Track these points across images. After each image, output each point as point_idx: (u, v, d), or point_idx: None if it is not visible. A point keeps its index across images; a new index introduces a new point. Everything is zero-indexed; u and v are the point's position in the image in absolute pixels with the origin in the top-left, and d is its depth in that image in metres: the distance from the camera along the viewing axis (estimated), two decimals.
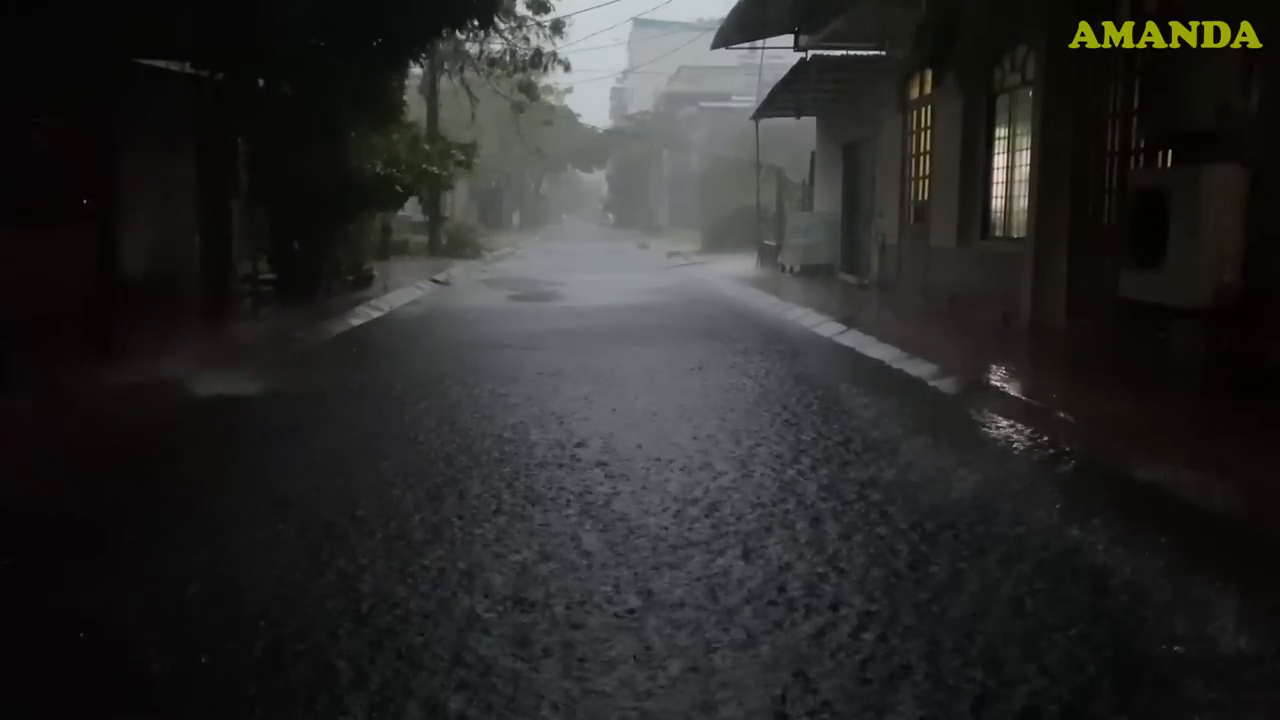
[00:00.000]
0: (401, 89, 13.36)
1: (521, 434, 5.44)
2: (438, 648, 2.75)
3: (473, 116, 20.99)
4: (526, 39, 19.42)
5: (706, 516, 3.98)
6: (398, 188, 13.51)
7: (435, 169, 14.27)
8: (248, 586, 3.21)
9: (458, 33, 13.71)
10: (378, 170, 12.99)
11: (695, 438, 5.37)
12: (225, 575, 3.33)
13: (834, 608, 3.06)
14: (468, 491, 4.33)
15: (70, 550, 3.60)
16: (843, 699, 2.50)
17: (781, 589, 3.21)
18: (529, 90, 20.52)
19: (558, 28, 19.31)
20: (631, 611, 3.01)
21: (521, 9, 18.76)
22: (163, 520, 3.97)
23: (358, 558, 3.47)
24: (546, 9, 18.48)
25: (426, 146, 14.37)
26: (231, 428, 5.83)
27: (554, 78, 22.78)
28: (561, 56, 20.00)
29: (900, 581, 3.31)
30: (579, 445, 5.17)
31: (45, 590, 3.24)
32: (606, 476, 4.57)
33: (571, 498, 4.23)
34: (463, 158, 14.83)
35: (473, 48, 18.89)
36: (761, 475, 4.63)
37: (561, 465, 4.78)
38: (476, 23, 12.65)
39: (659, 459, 4.89)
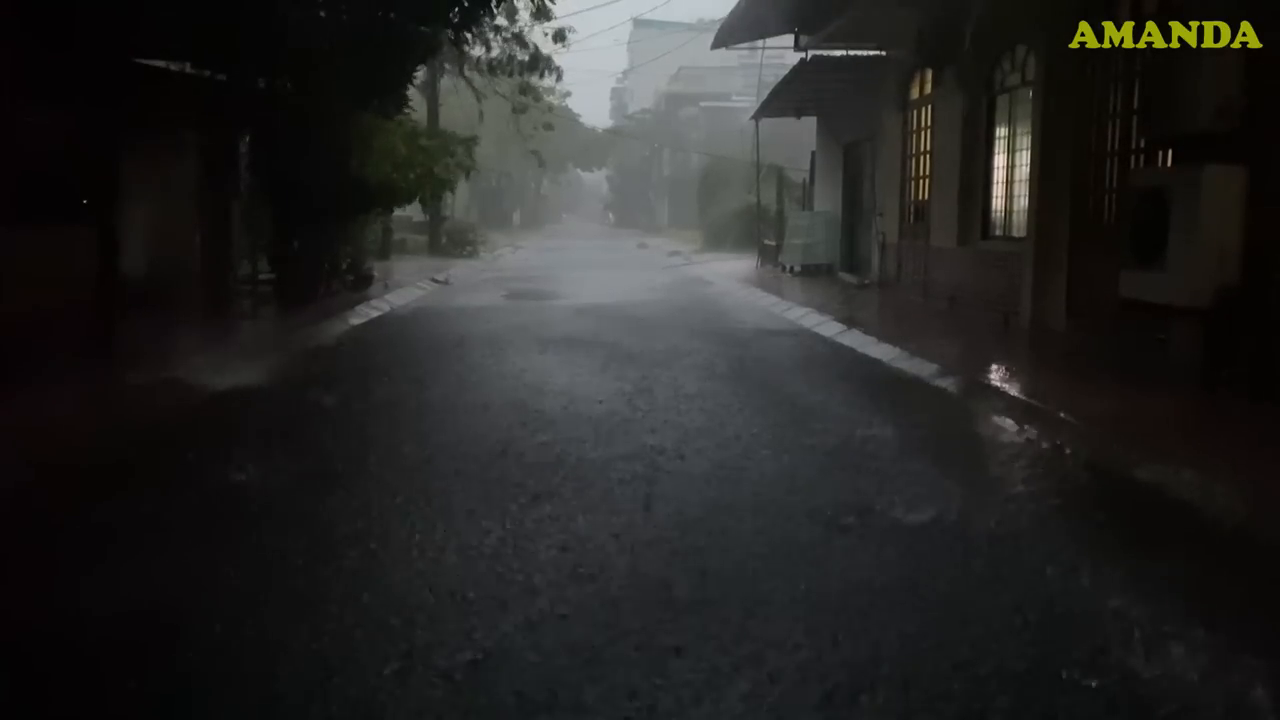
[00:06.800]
0: (410, 78, 13.29)
1: (514, 442, 5.45)
2: None
3: (480, 115, 20.93)
4: (525, 44, 19.41)
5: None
6: (401, 187, 13.47)
7: (439, 172, 14.25)
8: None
9: (465, 31, 13.64)
10: (383, 173, 12.97)
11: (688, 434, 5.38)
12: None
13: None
14: (454, 493, 4.35)
15: (74, 546, 3.61)
16: None
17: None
18: (530, 91, 20.51)
19: (560, 36, 19.34)
20: None
21: (523, 18, 18.76)
22: (141, 528, 3.98)
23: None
24: (549, 16, 18.48)
25: (424, 142, 14.32)
26: (231, 429, 5.83)
27: (552, 81, 22.72)
28: (557, 64, 20.07)
29: (896, 579, 3.31)
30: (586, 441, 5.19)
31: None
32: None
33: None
34: (463, 152, 14.78)
35: (475, 51, 18.88)
36: (755, 478, 4.63)
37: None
38: (488, 11, 12.58)
39: (654, 456, 4.90)
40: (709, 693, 2.51)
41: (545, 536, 3.71)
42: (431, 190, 14.57)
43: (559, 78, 20.85)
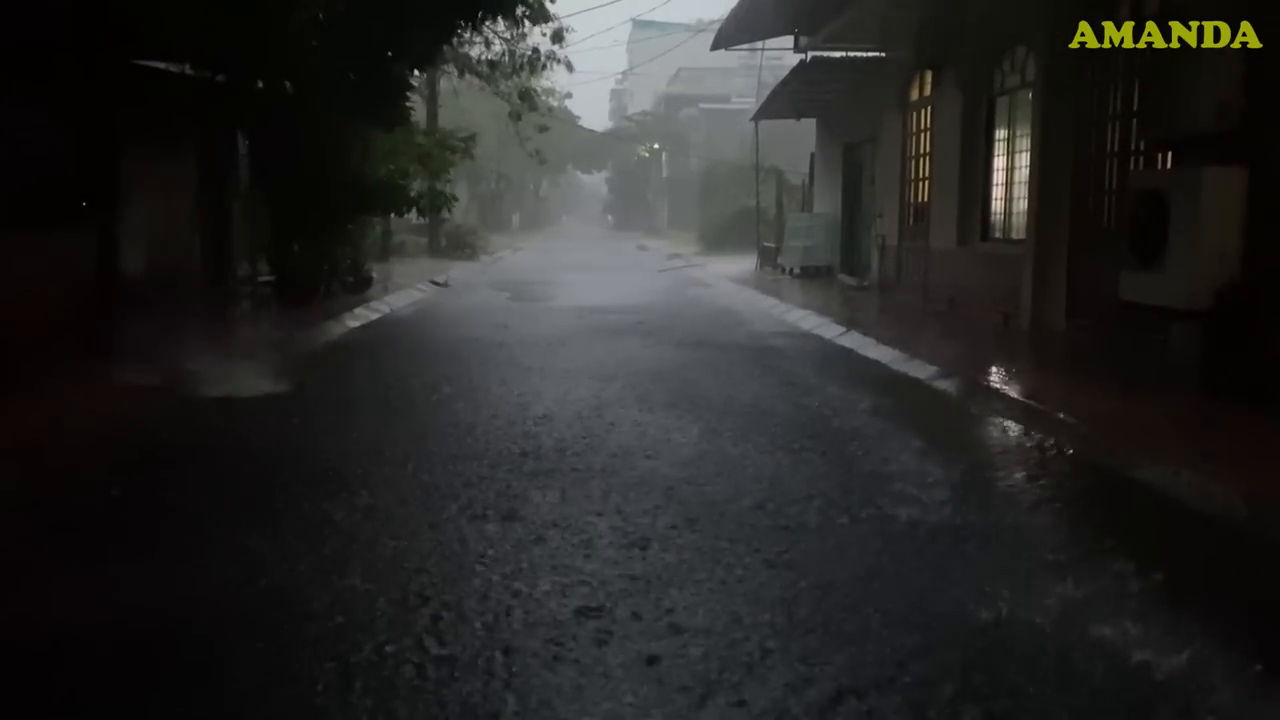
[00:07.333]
0: (408, 87, 13.28)
1: (517, 443, 5.44)
2: None
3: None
4: (524, 36, 19.30)
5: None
6: (399, 184, 13.45)
7: (439, 185, 14.28)
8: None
9: (464, 33, 13.60)
10: (382, 173, 12.96)
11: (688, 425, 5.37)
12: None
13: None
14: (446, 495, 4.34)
15: (88, 544, 3.60)
16: None
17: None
18: (527, 97, 20.39)
19: (558, 36, 19.26)
20: None
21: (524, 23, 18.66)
22: (152, 524, 3.97)
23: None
24: (547, 18, 18.41)
25: (421, 140, 14.31)
26: (230, 429, 5.81)
27: (554, 80, 22.52)
28: (561, 57, 19.86)
29: (901, 582, 3.30)
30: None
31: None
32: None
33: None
34: (463, 148, 14.77)
35: (474, 50, 18.78)
36: (752, 479, 4.62)
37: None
38: (490, 16, 12.54)
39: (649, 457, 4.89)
40: None
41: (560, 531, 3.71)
42: (431, 202, 14.60)
43: (571, 69, 20.63)
